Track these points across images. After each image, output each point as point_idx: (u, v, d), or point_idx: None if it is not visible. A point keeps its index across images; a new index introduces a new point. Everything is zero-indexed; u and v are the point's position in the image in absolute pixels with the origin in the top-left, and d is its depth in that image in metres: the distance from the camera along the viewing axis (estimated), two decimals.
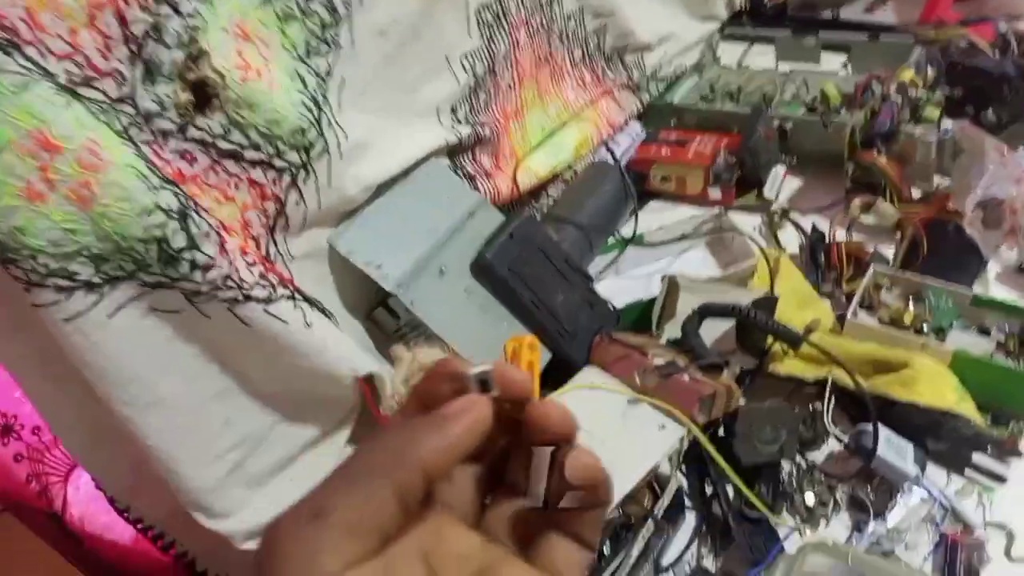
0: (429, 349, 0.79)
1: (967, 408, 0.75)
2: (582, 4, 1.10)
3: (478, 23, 0.94)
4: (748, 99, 1.21)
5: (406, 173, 0.87)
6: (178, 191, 0.61)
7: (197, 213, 0.62)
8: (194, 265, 0.61)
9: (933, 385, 0.76)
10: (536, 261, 0.88)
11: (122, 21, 0.60)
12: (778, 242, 1.02)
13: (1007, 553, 0.69)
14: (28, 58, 0.54)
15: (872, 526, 0.73)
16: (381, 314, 0.85)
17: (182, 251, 0.60)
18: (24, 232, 0.55)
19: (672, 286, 0.90)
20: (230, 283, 0.63)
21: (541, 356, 0.86)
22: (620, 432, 0.78)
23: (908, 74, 1.03)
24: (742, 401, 0.80)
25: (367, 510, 0.25)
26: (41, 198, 0.55)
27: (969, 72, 1.02)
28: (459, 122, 0.94)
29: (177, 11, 0.63)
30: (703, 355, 0.80)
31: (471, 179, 0.95)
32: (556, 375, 0.86)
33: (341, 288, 0.83)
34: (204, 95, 0.66)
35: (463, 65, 0.93)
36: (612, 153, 1.12)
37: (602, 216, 1.03)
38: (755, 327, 0.83)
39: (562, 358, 0.88)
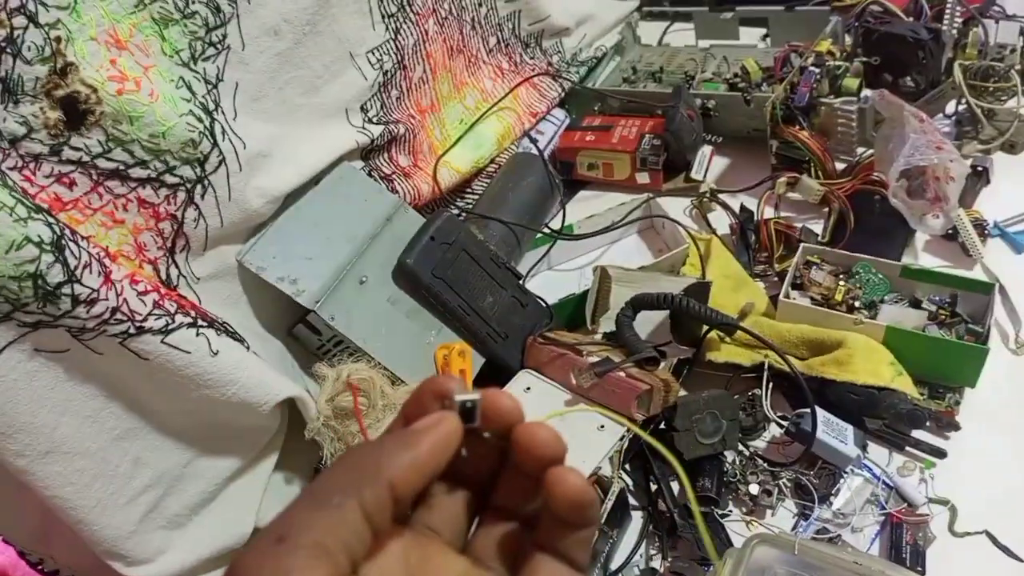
0: (354, 365, 0.75)
1: (903, 383, 0.75)
2: None
3: (382, 16, 0.89)
4: (671, 79, 1.19)
5: (316, 180, 0.82)
6: (52, 220, 0.55)
7: (75, 242, 0.56)
8: (76, 300, 0.56)
9: (868, 363, 0.75)
10: (461, 263, 0.84)
11: None
12: (709, 225, 1.00)
13: (951, 528, 0.69)
14: None
15: (817, 511, 0.72)
16: (301, 330, 0.80)
17: (60, 286, 0.55)
18: None
19: (603, 278, 0.87)
20: (119, 316, 0.58)
21: (473, 362, 0.82)
22: None
23: (825, 45, 1.02)
24: (682, 393, 0.78)
25: (333, 530, 0.24)
26: None
27: (884, 39, 1.02)
28: (370, 121, 0.89)
29: (35, 22, 0.57)
30: (638, 349, 0.78)
31: (388, 180, 0.91)
32: (491, 380, 0.83)
33: (256, 307, 0.78)
34: (76, 112, 0.61)
35: (370, 61, 0.88)
36: (535, 143, 1.08)
37: (529, 210, 0.99)
38: (688, 316, 0.81)
39: (496, 362, 0.84)
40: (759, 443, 0.79)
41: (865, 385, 0.74)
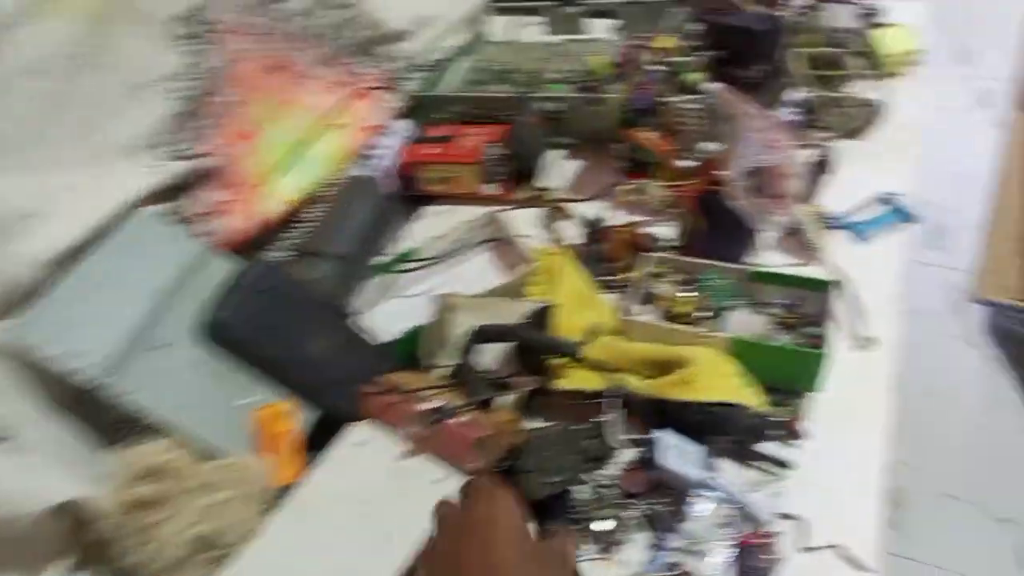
0: (151, 447, 0.67)
1: (748, 396, 0.72)
2: None
3: (175, 39, 0.80)
4: (520, 79, 1.14)
5: (101, 233, 0.73)
6: None
7: None
8: None
9: (714, 378, 0.72)
10: (281, 310, 0.77)
11: None
12: (560, 237, 0.95)
13: (801, 544, 0.66)
14: None
15: (671, 540, 0.68)
16: (91, 408, 0.71)
17: None
18: None
19: (444, 308, 0.82)
20: None
21: (303, 419, 0.75)
22: (394, 494, 0.69)
23: (666, 40, 0.98)
24: (541, 424, 0.74)
25: None
26: None
27: (723, 31, 0.98)
28: (170, 158, 0.81)
29: None
30: (478, 390, 0.73)
31: (198, 222, 0.82)
32: (331, 436, 0.77)
33: (33, 387, 0.68)
34: None
35: (161, 91, 0.79)
36: (371, 162, 1.01)
37: (364, 239, 0.92)
38: (529, 346, 0.76)
39: (334, 416, 0.77)
40: (614, 470, 0.75)
41: (710, 403, 0.71)
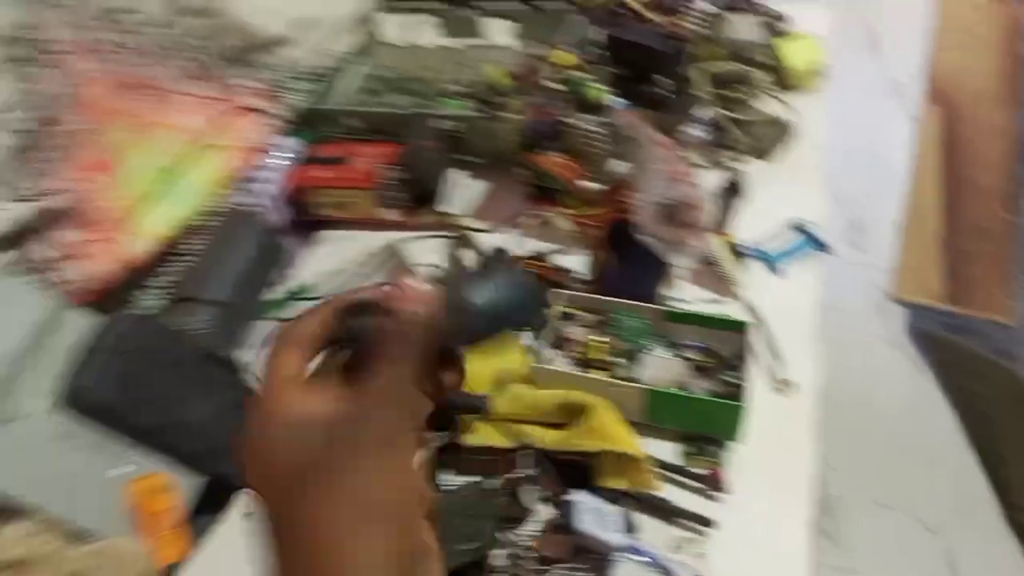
0: (12, 532, 0.58)
1: (636, 445, 0.68)
2: (174, 5, 0.87)
3: (4, 61, 0.69)
4: (416, 89, 1.06)
5: None
6: None
7: None
8: None
9: (614, 426, 0.68)
10: (153, 369, 0.68)
11: None
12: (462, 267, 0.89)
13: None
14: None
15: None
16: None
17: None
18: None
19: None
20: None
21: (186, 489, 0.67)
22: None
23: (567, 57, 0.93)
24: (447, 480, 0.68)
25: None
26: None
27: (626, 46, 0.94)
28: (8, 200, 0.70)
29: None
30: None
31: (49, 270, 0.72)
32: (221, 499, 0.69)
33: None
34: None
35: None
36: (255, 188, 0.92)
37: (249, 278, 0.84)
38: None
39: (221, 482, 0.70)
40: (531, 531, 0.70)
41: (612, 451, 0.67)
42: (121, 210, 0.80)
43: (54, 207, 0.73)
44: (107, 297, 0.75)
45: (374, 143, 0.97)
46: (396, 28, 1.21)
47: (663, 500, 0.69)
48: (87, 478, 0.64)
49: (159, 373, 0.69)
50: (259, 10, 0.96)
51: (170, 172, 0.86)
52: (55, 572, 0.59)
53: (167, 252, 0.83)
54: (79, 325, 0.68)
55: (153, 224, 0.83)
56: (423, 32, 1.20)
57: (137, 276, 0.80)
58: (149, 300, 0.79)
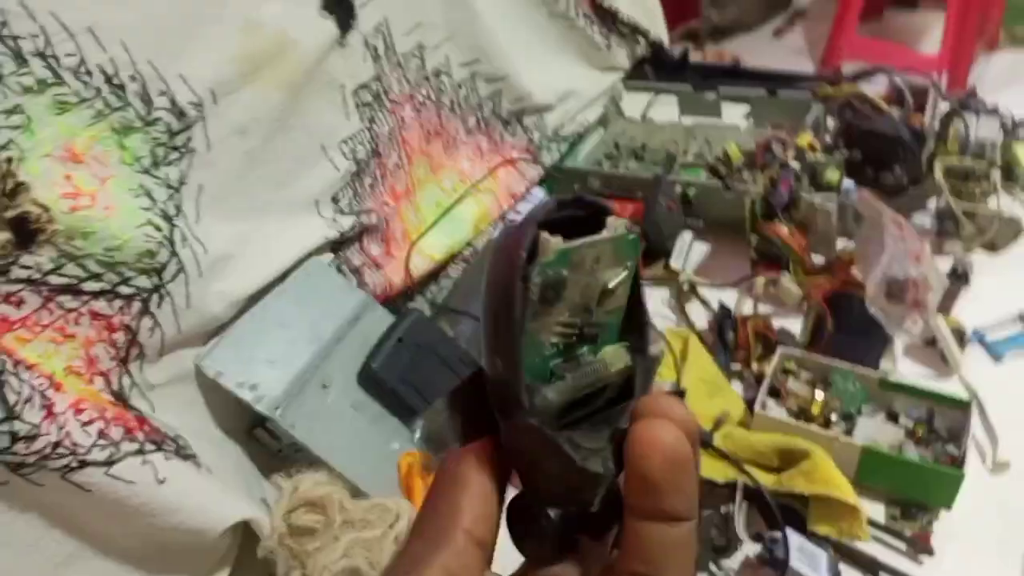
0: (313, 477, 0.72)
1: (854, 495, 0.72)
2: (473, 71, 1.05)
3: (356, 106, 0.88)
4: (653, 156, 1.18)
5: (282, 278, 0.80)
6: None
7: (17, 376, 0.54)
8: (15, 437, 0.53)
9: (829, 471, 0.73)
10: (429, 366, 0.82)
11: None
12: (687, 319, 0.98)
13: None
14: None
15: None
16: (261, 434, 0.77)
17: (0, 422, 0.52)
18: None
19: None
20: (61, 450, 0.56)
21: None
22: None
23: (806, 139, 1.01)
24: None
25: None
26: None
27: (865, 135, 1.01)
28: (341, 212, 0.87)
29: None
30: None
31: (357, 272, 0.89)
32: None
33: (214, 411, 0.75)
34: (26, 231, 0.59)
35: (342, 151, 0.87)
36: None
37: None
38: None
39: None
40: (733, 564, 0.77)
41: (835, 498, 0.72)
42: (412, 232, 0.97)
43: (367, 223, 0.90)
44: (396, 300, 0.91)
45: (614, 199, 1.09)
46: (638, 104, 1.35)
47: (869, 555, 0.73)
48: (370, 446, 0.78)
49: (431, 367, 0.82)
50: (535, 82, 1.13)
51: (448, 207, 1.03)
52: (341, 516, 0.72)
53: (437, 272, 0.99)
54: (378, 318, 0.84)
55: (432, 247, 0.99)
56: (662, 109, 1.33)
57: (415, 287, 0.96)
58: (421, 308, 0.94)
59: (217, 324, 0.74)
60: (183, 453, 0.67)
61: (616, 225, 0.23)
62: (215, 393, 0.75)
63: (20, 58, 0.57)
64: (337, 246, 0.88)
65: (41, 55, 0.58)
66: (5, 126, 0.56)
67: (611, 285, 0.23)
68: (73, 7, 0.60)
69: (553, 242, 0.22)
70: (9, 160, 0.57)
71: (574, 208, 0.23)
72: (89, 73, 0.62)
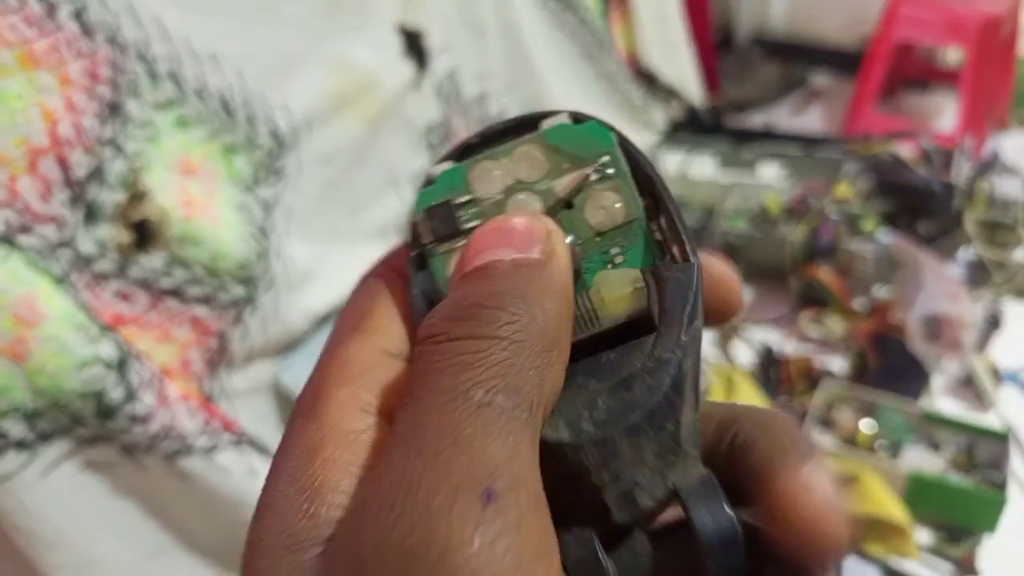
0: None
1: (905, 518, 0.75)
2: None
3: (425, 145, 0.95)
4: (692, 211, 1.24)
5: None
6: (118, 339, 0.58)
7: (138, 360, 0.58)
8: (133, 418, 0.57)
9: (880, 492, 0.76)
10: None
11: (64, 165, 0.58)
12: (730, 359, 1.02)
13: None
14: None
15: None
16: None
17: (121, 404, 0.57)
18: None
19: None
20: (171, 435, 0.60)
21: None
22: None
23: (843, 189, 1.07)
24: None
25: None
26: None
27: (899, 188, 1.07)
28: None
29: (121, 152, 0.61)
30: None
31: None
32: None
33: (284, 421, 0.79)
34: (146, 233, 0.64)
35: (412, 183, 0.93)
36: None
37: None
38: None
39: None
40: None
41: (883, 520, 0.75)
42: None
43: None
44: None
45: None
46: (674, 162, 1.42)
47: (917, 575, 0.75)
48: None
49: None
50: None
51: None
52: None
53: None
54: None
55: None
56: (698, 168, 1.40)
57: None
58: None
59: (293, 337, 0.79)
60: (267, 453, 0.70)
61: (551, 122, 0.19)
62: (289, 406, 0.79)
63: (155, 77, 0.64)
64: None
65: (172, 76, 0.65)
66: (139, 138, 0.63)
67: (560, 191, 0.19)
68: (203, 35, 0.67)
69: (440, 167, 0.19)
70: (139, 169, 0.62)
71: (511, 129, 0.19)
72: (209, 96, 0.68)
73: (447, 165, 0.19)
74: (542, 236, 0.18)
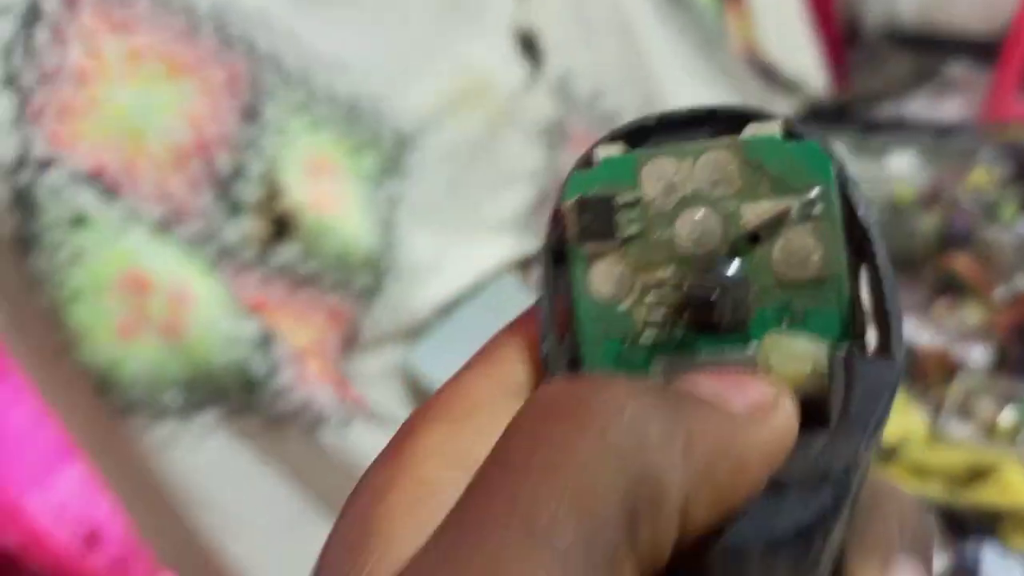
0: None
1: None
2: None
3: (541, 143, 0.97)
4: None
5: (475, 290, 0.88)
6: (261, 321, 0.63)
7: (279, 340, 0.64)
8: (275, 391, 0.63)
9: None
10: None
11: (209, 165, 0.64)
12: None
13: None
14: (126, 204, 0.58)
15: None
16: None
17: (264, 378, 0.62)
18: (118, 366, 0.58)
19: None
20: (309, 408, 0.65)
21: None
22: None
23: (979, 176, 1.02)
24: None
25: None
26: (135, 335, 0.57)
27: None
28: (526, 235, 0.96)
29: (260, 153, 0.67)
30: None
31: None
32: None
33: (415, 406, 0.83)
34: (282, 227, 0.70)
35: (529, 180, 0.96)
36: None
37: None
38: None
39: None
40: None
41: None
42: None
43: None
44: None
45: None
46: None
47: None
48: None
49: None
50: None
51: None
52: None
53: None
54: None
55: None
56: None
57: None
58: None
59: (419, 326, 0.83)
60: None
61: (759, 128, 0.15)
62: (416, 391, 0.83)
63: (288, 84, 0.70)
64: (522, 266, 0.95)
65: (304, 82, 0.71)
66: (275, 139, 0.69)
67: (749, 221, 0.15)
68: (332, 41, 0.72)
69: (605, 150, 0.16)
70: (275, 168, 0.68)
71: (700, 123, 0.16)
72: (338, 99, 0.74)
73: (615, 149, 0.16)
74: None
